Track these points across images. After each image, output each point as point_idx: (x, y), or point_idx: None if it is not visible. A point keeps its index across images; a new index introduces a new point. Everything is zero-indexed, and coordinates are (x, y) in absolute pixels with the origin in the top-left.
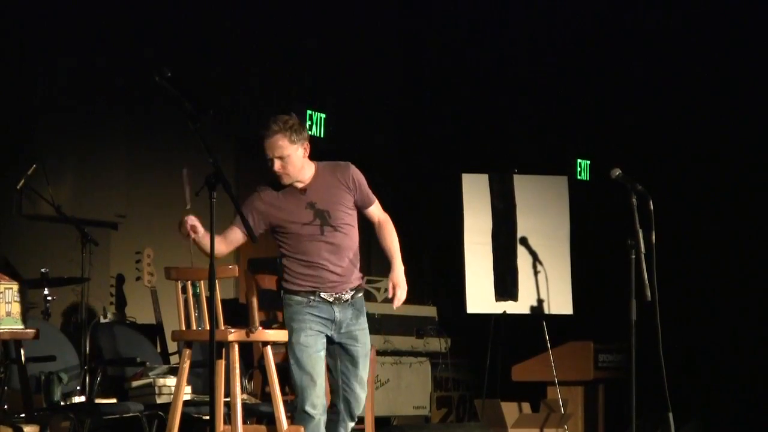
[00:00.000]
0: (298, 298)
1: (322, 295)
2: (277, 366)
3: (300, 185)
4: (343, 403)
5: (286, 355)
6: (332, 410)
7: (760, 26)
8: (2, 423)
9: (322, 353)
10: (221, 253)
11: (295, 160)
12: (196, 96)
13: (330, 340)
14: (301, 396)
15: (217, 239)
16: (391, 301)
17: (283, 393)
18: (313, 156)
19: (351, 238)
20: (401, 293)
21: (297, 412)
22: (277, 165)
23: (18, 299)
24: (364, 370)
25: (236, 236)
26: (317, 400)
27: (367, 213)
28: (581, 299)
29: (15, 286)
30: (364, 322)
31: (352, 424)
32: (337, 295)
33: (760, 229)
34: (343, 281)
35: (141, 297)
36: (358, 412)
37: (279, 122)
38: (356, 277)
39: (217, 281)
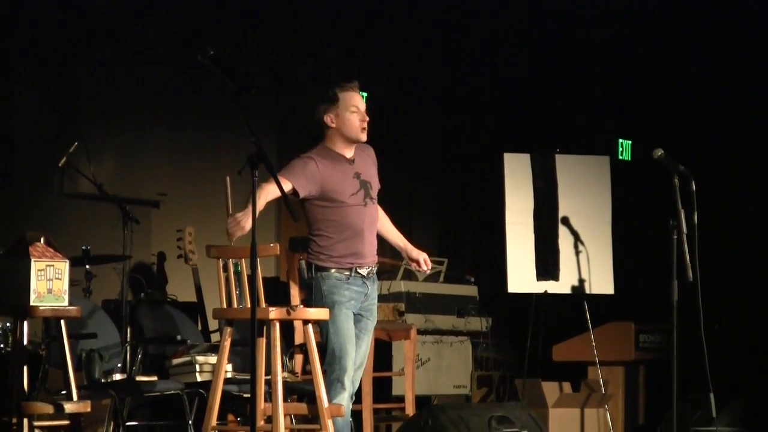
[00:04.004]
0: (336, 274)
1: (359, 270)
2: (318, 345)
3: (348, 155)
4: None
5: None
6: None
7: None
8: (43, 400)
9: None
10: (260, 206)
11: None
12: (239, 75)
13: None
14: (338, 365)
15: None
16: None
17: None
18: None
19: (378, 210)
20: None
21: (330, 384)
22: (367, 117)
23: (60, 276)
24: (367, 345)
25: (272, 190)
26: (351, 372)
27: None
28: (622, 279)
29: (58, 264)
30: (376, 297)
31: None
32: (369, 269)
33: None
34: (374, 254)
35: (182, 275)
36: (356, 386)
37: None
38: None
39: (258, 259)
